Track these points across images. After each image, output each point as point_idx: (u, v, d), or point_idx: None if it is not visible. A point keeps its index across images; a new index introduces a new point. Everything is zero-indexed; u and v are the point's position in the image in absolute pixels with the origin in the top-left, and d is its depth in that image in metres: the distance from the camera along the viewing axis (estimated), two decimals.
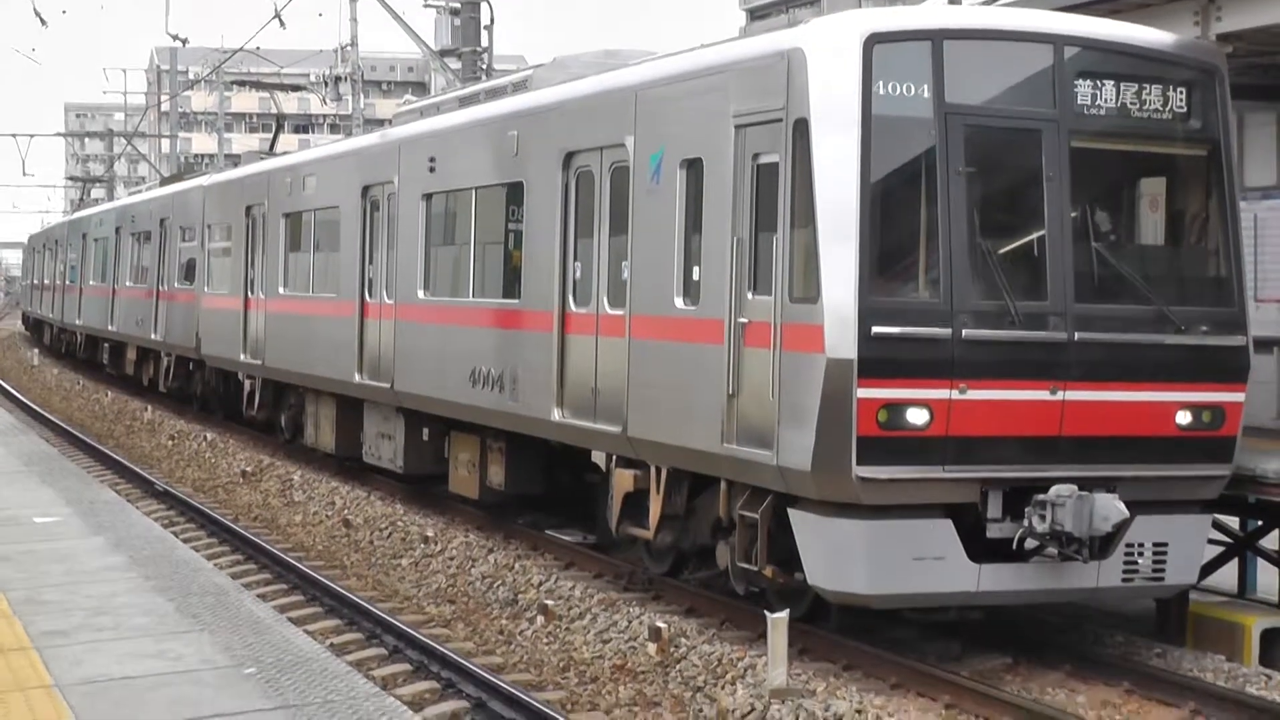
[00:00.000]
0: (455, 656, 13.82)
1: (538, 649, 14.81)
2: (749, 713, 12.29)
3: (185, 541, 18.97)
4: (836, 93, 12.47)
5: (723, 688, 13.01)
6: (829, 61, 12.55)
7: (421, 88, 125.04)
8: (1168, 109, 13.38)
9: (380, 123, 40.56)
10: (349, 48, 53.17)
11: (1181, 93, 13.43)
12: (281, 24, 34.82)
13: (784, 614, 12.57)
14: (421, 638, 14.53)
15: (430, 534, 19.76)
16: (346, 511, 22.14)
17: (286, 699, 9.76)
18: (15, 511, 17.97)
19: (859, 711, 12.09)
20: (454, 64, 31.56)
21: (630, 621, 15.03)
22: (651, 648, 14.05)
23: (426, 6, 33.46)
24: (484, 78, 28.96)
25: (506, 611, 16.24)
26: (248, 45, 42.34)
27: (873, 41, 12.50)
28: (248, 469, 26.71)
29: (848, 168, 12.36)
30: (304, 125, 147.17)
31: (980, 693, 12.66)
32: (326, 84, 54.33)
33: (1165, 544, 13.33)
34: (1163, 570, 13.36)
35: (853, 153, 12.37)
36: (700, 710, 12.68)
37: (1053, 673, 13.42)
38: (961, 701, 12.55)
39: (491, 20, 30.92)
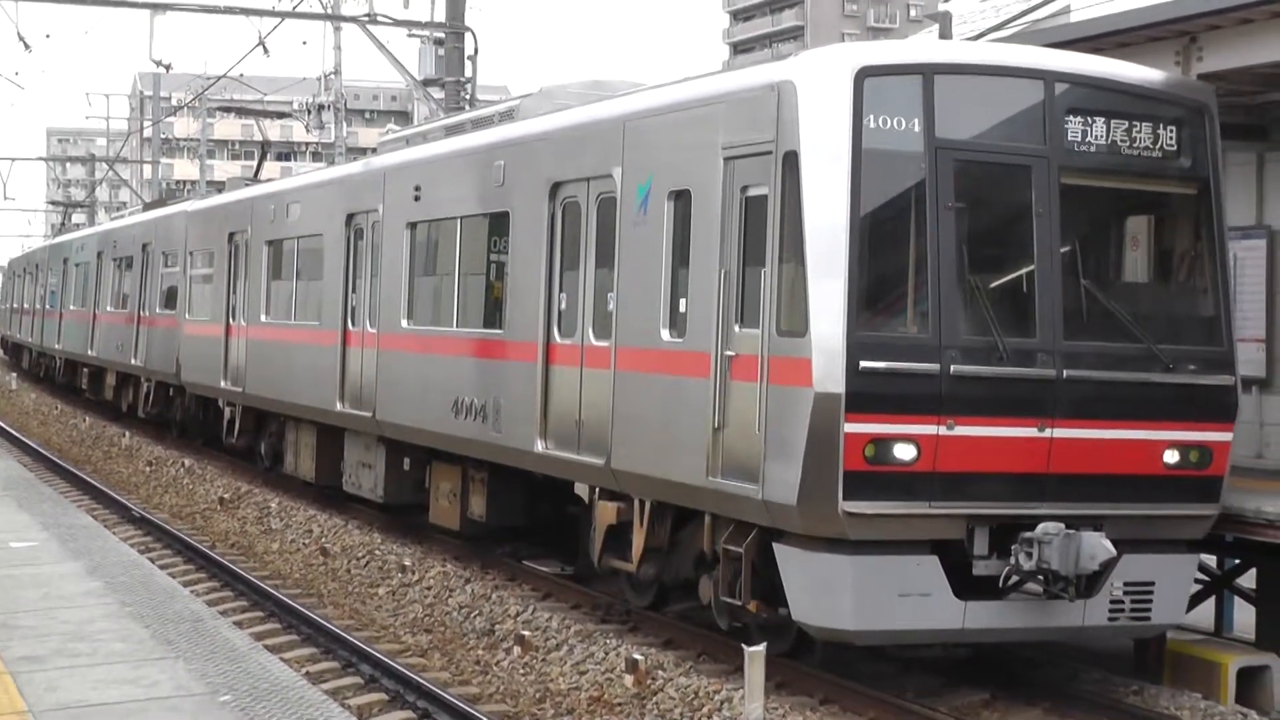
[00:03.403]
0: (431, 686, 13.72)
1: (514, 679, 14.69)
2: None
3: (162, 568, 18.91)
4: (827, 126, 12.36)
5: None
6: (820, 94, 12.45)
7: (404, 117, 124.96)
8: (1158, 147, 13.30)
9: (363, 151, 40.46)
10: (332, 76, 52.96)
11: (1171, 130, 13.36)
12: (265, 51, 34.57)
13: (761, 648, 12.39)
14: (398, 667, 14.41)
15: (408, 563, 19.60)
16: (324, 540, 21.97)
17: None
18: None
19: None
20: (437, 93, 31.52)
21: (607, 653, 14.88)
22: (628, 679, 13.88)
23: (411, 36, 33.72)
24: (467, 107, 28.95)
25: (483, 641, 16.10)
26: (231, 72, 42.16)
27: (864, 75, 12.40)
28: (225, 496, 26.54)
29: (837, 201, 12.24)
30: (286, 153, 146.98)
31: None
32: (309, 112, 54.10)
33: (1151, 583, 13.21)
34: (1148, 610, 13.24)
35: (842, 186, 12.25)
36: None
37: (1031, 709, 13.32)
38: None
39: (475, 50, 30.88)
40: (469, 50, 30.64)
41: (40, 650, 11.90)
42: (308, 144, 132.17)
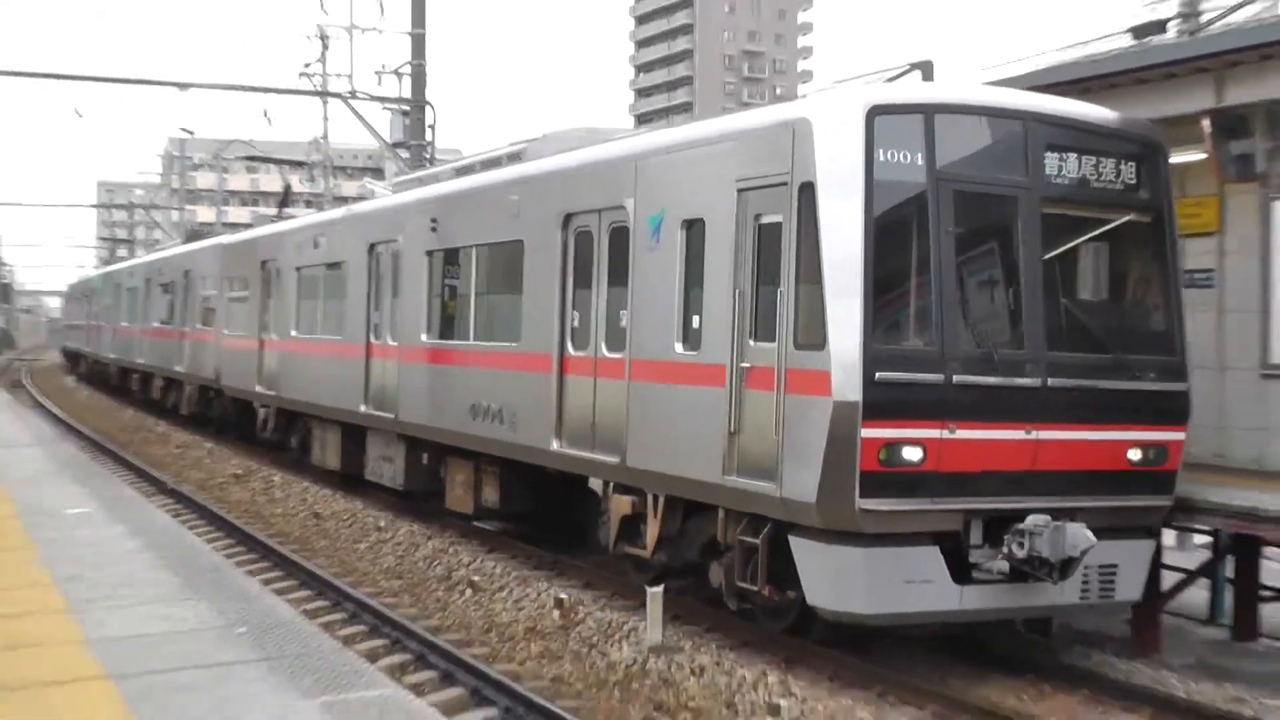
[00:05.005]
0: (402, 620, 13.36)
1: (467, 614, 14.23)
2: (633, 664, 11.84)
3: (190, 529, 18.31)
4: (841, 159, 10.56)
5: (612, 645, 12.44)
6: (834, 131, 10.64)
7: (379, 173, 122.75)
8: (1120, 179, 11.62)
9: (345, 199, 39.81)
10: (321, 139, 52.26)
11: (1131, 165, 11.68)
12: (268, 120, 33.80)
13: (660, 588, 12.03)
14: (375, 605, 14.03)
15: (382, 525, 19.08)
16: (316, 506, 21.24)
17: (269, 652, 9.25)
18: (54, 505, 16.53)
19: (717, 663, 11.55)
20: (404, 154, 31.44)
21: (539, 593, 14.47)
22: (556, 614, 13.48)
23: (384, 109, 33.99)
24: (428, 164, 28.75)
25: (442, 585, 15.57)
26: (241, 137, 41.45)
27: (874, 113, 10.61)
28: (239, 472, 25.57)
29: (852, 227, 10.45)
30: (283, 201, 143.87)
31: (811, 651, 11.92)
32: (303, 168, 53.49)
33: (1115, 565, 11.55)
34: (1113, 589, 11.59)
35: (857, 214, 10.46)
36: (594, 663, 12.11)
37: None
38: (803, 657, 11.92)
39: (435, 120, 31.41)
40: (430, 120, 31.14)
41: (94, 594, 11.13)
42: (300, 193, 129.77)
